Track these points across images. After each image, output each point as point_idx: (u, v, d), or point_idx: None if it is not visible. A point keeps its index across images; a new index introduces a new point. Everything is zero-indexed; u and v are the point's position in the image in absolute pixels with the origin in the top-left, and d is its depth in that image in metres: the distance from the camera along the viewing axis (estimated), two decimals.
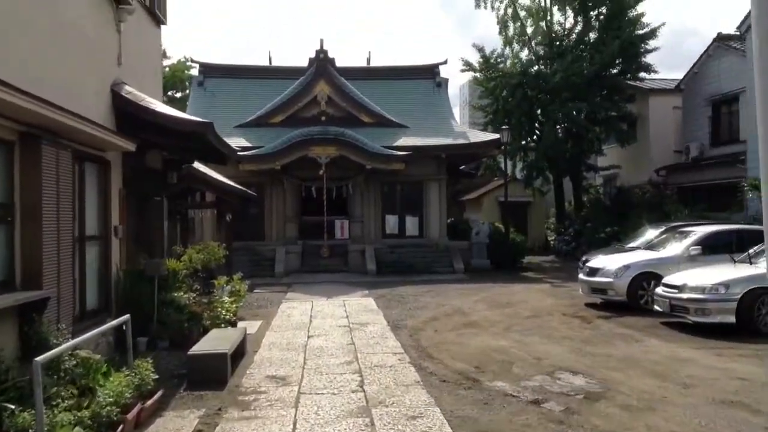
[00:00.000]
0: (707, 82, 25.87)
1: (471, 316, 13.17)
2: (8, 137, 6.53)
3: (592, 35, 29.21)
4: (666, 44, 36.93)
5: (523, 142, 29.60)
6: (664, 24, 28.15)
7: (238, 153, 18.23)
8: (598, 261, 14.84)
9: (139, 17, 10.82)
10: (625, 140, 28.06)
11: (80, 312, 8.28)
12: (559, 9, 30.20)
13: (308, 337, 10.92)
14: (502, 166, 27.57)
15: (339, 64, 26.34)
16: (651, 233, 17.37)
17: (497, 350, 9.67)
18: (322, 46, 25.91)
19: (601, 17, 28.79)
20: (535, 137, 29.80)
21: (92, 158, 8.69)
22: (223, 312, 10.89)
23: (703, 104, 26.02)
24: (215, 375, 7.84)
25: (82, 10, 8.52)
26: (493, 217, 29.59)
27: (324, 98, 25.51)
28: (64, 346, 5.88)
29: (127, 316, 7.10)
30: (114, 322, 7.20)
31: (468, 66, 30.57)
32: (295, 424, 6.28)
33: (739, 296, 10.61)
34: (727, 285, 10.80)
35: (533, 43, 30.74)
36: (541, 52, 30.15)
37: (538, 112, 29.12)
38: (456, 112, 34.93)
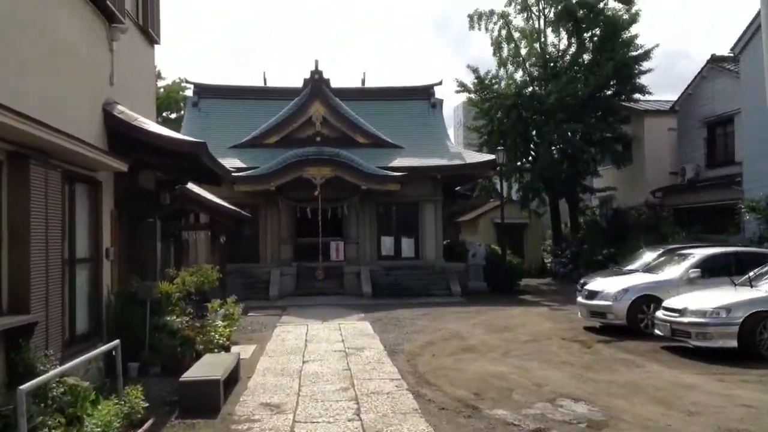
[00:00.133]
0: (702, 104, 25.95)
1: (469, 340, 12.96)
2: None
3: (586, 57, 29.32)
4: (658, 66, 37.41)
5: (519, 163, 29.55)
6: (657, 46, 28.30)
7: (233, 174, 18.10)
8: (596, 284, 14.67)
9: (132, 36, 10.71)
10: (620, 162, 28.04)
11: (69, 337, 8.05)
12: (553, 31, 30.39)
13: (303, 362, 10.69)
14: (498, 187, 27.49)
15: (334, 84, 26.32)
16: (649, 256, 17.24)
17: (496, 376, 9.46)
18: (316, 67, 25.90)
19: (595, 39, 28.95)
20: (530, 158, 29.78)
21: (83, 178, 8.52)
22: (217, 336, 10.67)
23: (698, 126, 26.07)
24: (208, 402, 7.62)
25: (74, 28, 8.40)
26: (489, 239, 29.45)
27: (319, 119, 25.44)
28: (50, 373, 5.68)
29: (116, 342, 6.89)
30: (103, 348, 6.99)
31: (463, 87, 30.65)
32: None
33: (741, 320, 10.45)
34: (728, 309, 10.65)
35: (527, 65, 30.85)
36: (536, 74, 30.25)
37: (533, 133, 29.14)
38: (451, 133, 34.90)
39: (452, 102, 62.21)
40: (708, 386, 8.70)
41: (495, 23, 30.75)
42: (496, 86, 30.26)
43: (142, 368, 9.32)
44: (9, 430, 5.12)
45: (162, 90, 38.51)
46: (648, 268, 15.51)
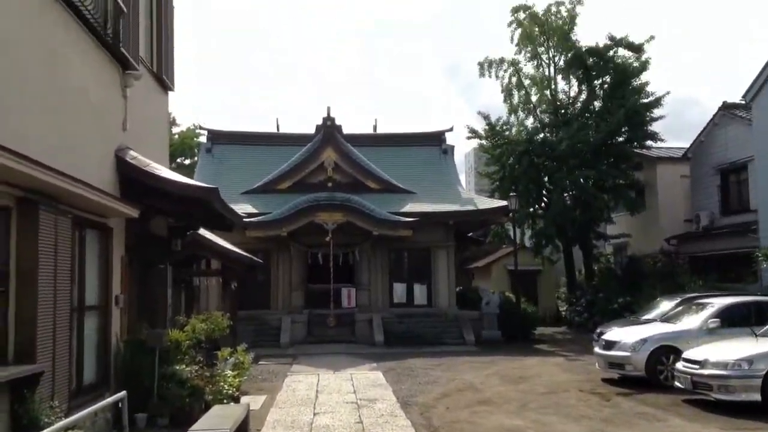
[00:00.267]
0: (714, 151, 25.83)
1: (484, 392, 12.63)
2: (4, 202, 6.28)
3: (597, 103, 29.36)
4: (669, 112, 37.57)
5: (531, 209, 29.39)
6: (668, 93, 28.23)
7: (245, 219, 18.03)
8: (613, 334, 14.34)
9: (146, 83, 10.76)
10: (634, 208, 27.84)
11: (76, 387, 7.85)
12: (563, 78, 30.56)
13: (314, 414, 10.41)
14: (511, 233, 27.30)
15: (346, 130, 26.48)
16: (666, 305, 16.93)
17: (513, 431, 9.14)
18: (329, 113, 26.10)
19: (606, 86, 29.02)
20: (543, 204, 29.64)
21: (94, 225, 8.44)
22: (226, 386, 10.42)
23: (711, 173, 25.90)
24: None
25: (88, 75, 8.42)
26: (502, 286, 29.13)
27: (331, 164, 25.52)
28: (55, 426, 5.50)
29: (123, 393, 6.72)
30: (110, 400, 6.81)
31: (474, 133, 30.71)
32: None
33: (764, 373, 10.12)
34: (750, 361, 10.33)
35: (538, 111, 30.97)
36: (547, 120, 30.30)
37: (546, 179, 29.05)
38: (462, 178, 34.94)
39: (463, 148, 62.42)
40: None
41: (505, 71, 31.03)
42: (507, 132, 30.31)
43: (150, 419, 9.07)
44: None
45: (177, 136, 38.89)
46: (666, 318, 15.20)
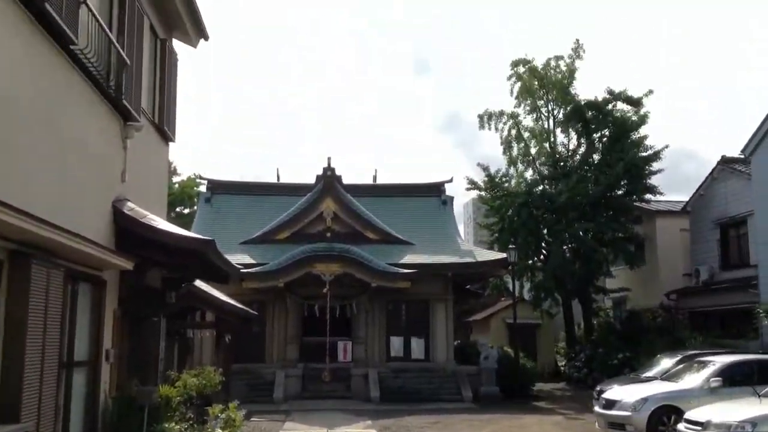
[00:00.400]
0: (714, 205, 25.86)
1: None
2: None
3: (596, 156, 29.54)
4: (667, 166, 37.83)
5: (530, 262, 29.28)
6: (667, 146, 28.41)
7: (242, 270, 17.91)
8: (614, 392, 14.10)
9: (147, 133, 10.74)
10: (633, 262, 27.75)
11: None
12: (562, 131, 30.83)
13: None
14: (510, 286, 27.12)
15: (346, 180, 26.56)
16: (667, 362, 16.71)
17: None
18: (329, 163, 26.21)
19: (605, 139, 29.24)
20: (542, 257, 29.53)
21: (87, 277, 8.30)
22: None
23: (710, 227, 25.88)
24: None
25: (89, 126, 8.40)
26: (501, 340, 28.83)
27: (330, 215, 25.49)
28: None
29: None
30: None
31: (473, 185, 30.85)
32: None
33: None
34: (753, 423, 10.11)
35: (537, 163, 31.16)
36: (546, 172, 30.45)
37: (545, 231, 29.02)
38: (461, 228, 34.87)
39: (462, 198, 62.73)
40: None
41: (505, 123, 31.32)
42: (506, 184, 30.45)
43: None
44: None
45: (177, 185, 38.97)
46: (667, 376, 14.99)
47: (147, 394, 9.17)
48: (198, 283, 13.38)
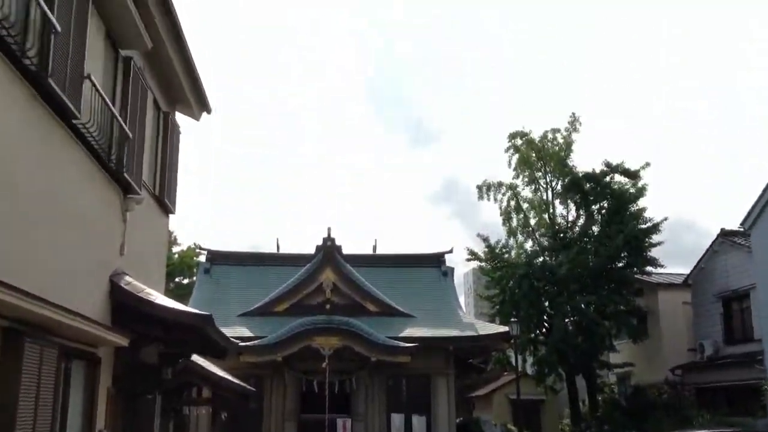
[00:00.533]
0: (715, 278, 25.69)
1: None
2: None
3: (596, 228, 29.59)
4: (667, 238, 37.55)
5: (533, 335, 28.87)
6: (666, 219, 28.50)
7: (239, 344, 17.56)
8: None
9: (147, 206, 10.68)
10: (636, 336, 27.39)
11: None
12: (561, 202, 31.05)
13: None
14: (512, 360, 26.63)
15: (345, 251, 26.40)
16: None
17: None
18: (329, 234, 26.08)
19: (603, 211, 29.34)
20: (544, 330, 29.15)
21: (81, 354, 8.05)
22: None
23: (713, 300, 25.64)
24: None
25: (88, 200, 8.31)
26: (504, 416, 28.14)
27: (329, 286, 25.20)
28: None
29: None
30: None
31: (473, 255, 30.78)
32: None
33: None
34: None
35: (537, 235, 31.23)
36: (546, 243, 30.45)
37: (546, 303, 28.77)
38: (461, 299, 34.59)
39: (462, 268, 62.53)
40: None
41: (503, 194, 31.63)
42: (506, 255, 30.37)
43: None
44: None
45: (177, 255, 38.83)
46: None
47: None
48: (195, 357, 13.08)
